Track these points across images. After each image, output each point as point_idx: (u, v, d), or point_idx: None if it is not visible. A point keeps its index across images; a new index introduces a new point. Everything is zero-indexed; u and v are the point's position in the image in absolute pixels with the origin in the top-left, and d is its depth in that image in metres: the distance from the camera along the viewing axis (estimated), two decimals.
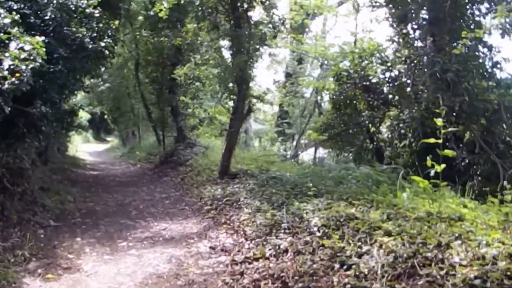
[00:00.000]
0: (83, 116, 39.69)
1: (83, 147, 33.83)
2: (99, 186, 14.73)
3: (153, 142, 24.36)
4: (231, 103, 12.82)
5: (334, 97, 13.21)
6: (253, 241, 6.71)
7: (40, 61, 7.86)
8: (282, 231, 6.54)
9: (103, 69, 22.55)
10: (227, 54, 12.24)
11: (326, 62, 20.80)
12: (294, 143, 25.41)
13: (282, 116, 26.34)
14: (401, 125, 10.81)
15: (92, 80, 24.65)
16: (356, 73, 12.60)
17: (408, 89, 10.59)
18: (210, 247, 6.98)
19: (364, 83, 12.57)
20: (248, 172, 10.97)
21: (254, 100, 11.22)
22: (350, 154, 13.20)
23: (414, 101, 10.15)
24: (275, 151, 18.73)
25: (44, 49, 7.90)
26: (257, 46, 10.68)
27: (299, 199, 7.44)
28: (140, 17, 19.04)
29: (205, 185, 11.53)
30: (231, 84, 11.28)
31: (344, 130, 12.85)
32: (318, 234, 5.94)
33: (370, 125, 12.51)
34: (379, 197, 6.49)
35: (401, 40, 12.19)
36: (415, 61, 10.69)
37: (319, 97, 20.91)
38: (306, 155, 23.18)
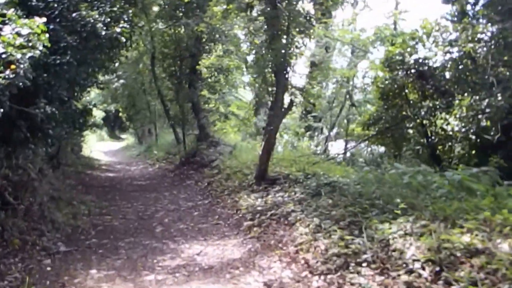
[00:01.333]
0: (97, 114, 38.34)
1: (98, 146, 32.30)
2: (116, 191, 13.10)
3: (171, 140, 22.72)
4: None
5: (383, 86, 11.36)
6: (322, 277, 5.00)
7: (41, 48, 6.22)
8: (364, 264, 4.83)
9: (117, 64, 21.11)
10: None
11: (355, 48, 19.07)
12: (321, 136, 23.70)
13: (307, 108, 24.51)
14: (479, 116, 8.99)
15: (106, 76, 23.23)
16: (409, 57, 10.80)
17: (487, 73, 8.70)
18: (264, 284, 5.27)
19: (420, 68, 10.76)
20: (291, 177, 9.26)
21: (296, 92, 9.45)
22: (407, 152, 11.34)
23: (496, 87, 8.31)
24: (310, 149, 16.89)
25: (46, 35, 6.26)
26: (301, 28, 8.92)
27: (375, 216, 5.71)
28: (155, 8, 17.38)
29: (239, 192, 9.84)
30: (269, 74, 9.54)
31: (396, 124, 11.04)
32: (424, 273, 4.22)
33: (427, 117, 10.70)
34: (497, 216, 4.69)
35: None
36: (496, 40, 8.86)
37: (349, 87, 19.09)
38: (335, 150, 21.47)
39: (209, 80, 17.48)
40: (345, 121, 21.06)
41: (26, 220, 7.67)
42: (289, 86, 9.46)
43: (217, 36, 15.97)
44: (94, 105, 20.22)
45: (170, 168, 17.39)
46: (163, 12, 16.38)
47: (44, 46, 6.35)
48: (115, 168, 20.44)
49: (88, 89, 12.85)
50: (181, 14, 15.94)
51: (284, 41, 9.07)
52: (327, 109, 21.70)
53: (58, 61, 7.39)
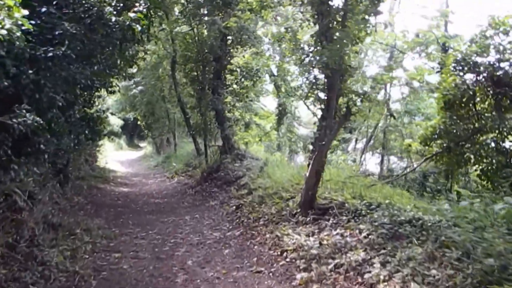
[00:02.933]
0: (116, 122, 36.57)
1: (115, 155, 30.43)
2: (129, 213, 11.02)
3: (191, 151, 20.69)
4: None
5: (448, 93, 9.11)
6: None
7: (18, 34, 4.22)
8: None
9: (135, 69, 19.15)
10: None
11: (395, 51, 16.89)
12: (352, 149, 21.50)
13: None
14: None
15: (121, 81, 21.28)
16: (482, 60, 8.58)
17: None
18: None
19: (495, 72, 8.54)
20: (347, 206, 7.06)
21: (355, 98, 7.24)
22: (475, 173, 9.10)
23: None
24: (348, 164, 14.65)
25: (25, 11, 4.23)
26: (365, 16, 6.76)
27: None
28: (178, 8, 15.42)
29: (279, 223, 7.67)
30: (319, 75, 7.39)
31: (467, 138, 8.79)
32: None
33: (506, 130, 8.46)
34: None
35: None
36: None
37: (387, 96, 16.91)
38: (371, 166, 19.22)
39: (234, 86, 15.35)
40: (382, 133, 18.90)
41: (7, 265, 5.62)
42: (345, 91, 7.26)
43: (245, 36, 13.87)
44: (111, 113, 18.40)
45: (191, 183, 15.29)
46: (186, 11, 14.34)
47: (25, 31, 4.30)
48: (131, 181, 18.41)
49: (97, 93, 10.77)
50: (205, 12, 13.93)
51: (338, 34, 6.93)
52: (362, 120, 19.48)
53: (50, 54, 5.33)
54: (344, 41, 6.83)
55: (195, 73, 15.65)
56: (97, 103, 14.34)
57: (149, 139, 33.83)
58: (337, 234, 6.28)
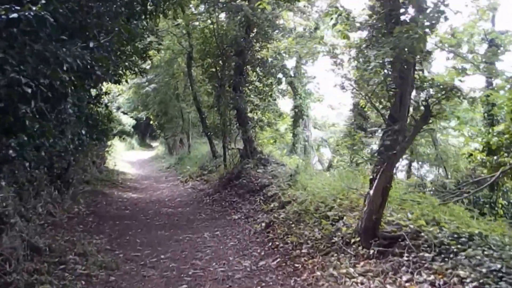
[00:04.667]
0: (128, 121, 34.83)
1: (126, 156, 28.67)
2: (137, 227, 9.14)
3: (206, 153, 18.81)
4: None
5: None
6: None
7: None
8: None
9: (148, 66, 17.30)
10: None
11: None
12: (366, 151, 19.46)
13: (357, 121, 20.30)
14: None
15: (135, 80, 19.45)
16: None
17: None
18: None
19: None
20: (423, 236, 5.11)
21: (436, 93, 5.26)
22: None
23: None
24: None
25: None
26: None
27: None
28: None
29: (330, 253, 5.73)
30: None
31: None
32: None
33: None
34: None
35: None
36: None
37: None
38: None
39: (257, 83, 13.41)
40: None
41: None
42: (422, 84, 5.30)
43: (270, 29, 11.98)
44: (123, 112, 16.58)
45: (207, 190, 13.38)
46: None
47: None
48: (141, 185, 16.55)
49: (101, 84, 8.91)
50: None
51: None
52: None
53: (15, 15, 3.44)
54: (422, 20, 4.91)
55: (214, 69, 13.76)
56: (105, 100, 12.50)
57: (161, 139, 32.01)
58: (424, 281, 4.32)
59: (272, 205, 8.94)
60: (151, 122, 30.52)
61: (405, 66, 5.18)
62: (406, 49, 4.83)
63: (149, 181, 17.79)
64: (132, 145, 37.64)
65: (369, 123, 19.86)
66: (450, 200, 6.58)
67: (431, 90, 5.18)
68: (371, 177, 5.61)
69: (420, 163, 16.89)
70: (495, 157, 7.82)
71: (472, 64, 9.16)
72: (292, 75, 22.21)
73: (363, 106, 17.58)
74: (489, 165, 7.93)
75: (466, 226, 5.57)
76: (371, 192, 5.43)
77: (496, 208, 11.86)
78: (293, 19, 17.38)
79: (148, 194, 14.30)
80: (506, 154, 7.52)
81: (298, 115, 24.54)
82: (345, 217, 6.62)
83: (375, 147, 22.19)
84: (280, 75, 13.52)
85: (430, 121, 5.26)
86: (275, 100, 14.01)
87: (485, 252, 4.47)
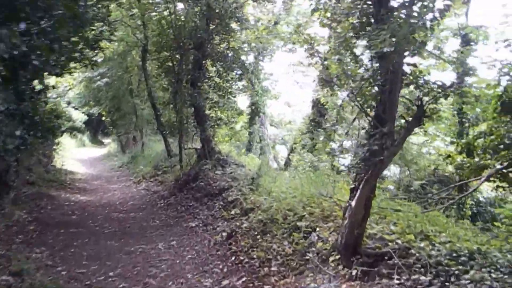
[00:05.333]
0: (79, 117, 32.96)
1: (77, 153, 27.03)
2: (84, 236, 8.12)
3: (161, 152, 17.73)
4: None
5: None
6: None
7: None
8: None
9: (100, 58, 16.02)
10: None
11: None
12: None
13: (317, 119, 19.70)
14: None
15: (86, 73, 18.10)
16: None
17: None
18: None
19: None
20: (413, 253, 4.47)
21: (432, 92, 4.57)
22: None
23: None
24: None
25: None
26: None
27: None
28: None
29: (305, 274, 5.00)
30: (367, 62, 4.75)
31: None
32: None
33: None
34: None
35: None
36: None
37: None
38: None
39: (217, 79, 12.53)
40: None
41: None
42: (415, 80, 4.64)
43: (233, 20, 11.15)
44: (74, 108, 15.24)
45: (162, 192, 12.41)
46: None
47: None
48: (91, 185, 15.30)
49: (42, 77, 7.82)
50: None
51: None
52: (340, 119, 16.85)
53: None
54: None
55: (171, 63, 12.76)
56: (53, 95, 11.29)
57: (114, 136, 30.45)
58: None
59: (233, 212, 8.13)
60: (103, 118, 28.96)
61: (397, 59, 4.50)
62: (404, 38, 4.13)
63: (99, 181, 16.55)
64: (83, 142, 35.78)
65: (328, 121, 19.36)
66: (434, 208, 5.99)
67: (426, 86, 4.51)
68: (353, 186, 4.91)
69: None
70: (476, 159, 7.31)
71: (439, 60, 8.72)
72: (250, 72, 21.49)
73: (324, 103, 17.13)
74: (468, 168, 7.42)
75: (457, 239, 4.99)
76: (353, 203, 4.73)
77: (464, 209, 11.57)
78: (255, 12, 16.57)
79: (98, 196, 13.14)
80: (489, 157, 7.01)
81: (255, 112, 23.85)
82: (318, 229, 5.91)
83: (334, 146, 21.87)
84: (240, 71, 12.69)
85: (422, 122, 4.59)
86: (235, 97, 13.17)
87: (493, 275, 3.85)
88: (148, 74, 15.58)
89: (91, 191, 14.10)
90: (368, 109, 4.88)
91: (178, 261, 6.48)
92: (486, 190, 12.69)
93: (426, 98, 4.48)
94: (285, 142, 29.40)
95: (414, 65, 4.58)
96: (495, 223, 6.82)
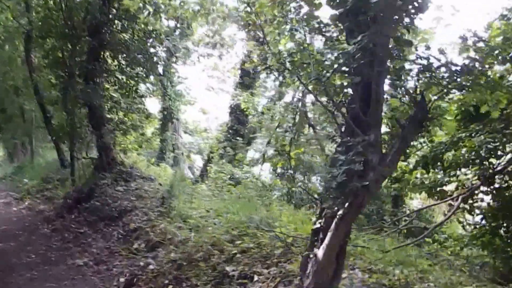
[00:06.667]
0: None
1: None
2: None
3: (53, 161, 15.00)
4: None
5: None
6: None
7: None
8: None
9: None
10: None
11: None
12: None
13: (235, 126, 17.98)
14: None
15: None
16: None
17: None
18: None
19: None
20: None
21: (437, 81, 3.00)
22: None
23: None
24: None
25: None
26: None
27: None
28: None
29: None
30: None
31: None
32: None
33: None
34: None
35: None
36: None
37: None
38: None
39: (119, 75, 10.31)
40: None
41: None
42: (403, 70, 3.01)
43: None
44: None
45: (47, 213, 9.93)
46: None
47: None
48: None
49: None
50: None
51: None
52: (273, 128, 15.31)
53: None
54: None
55: (60, 55, 10.33)
56: None
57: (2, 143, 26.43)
58: None
59: (136, 246, 6.09)
60: None
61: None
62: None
63: None
64: None
65: (247, 128, 17.78)
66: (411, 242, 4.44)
67: (427, 74, 2.90)
68: (317, 225, 3.16)
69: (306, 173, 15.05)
70: (439, 176, 5.95)
71: None
72: (161, 73, 19.39)
73: (245, 109, 15.48)
74: (427, 186, 6.05)
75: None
76: (319, 253, 2.99)
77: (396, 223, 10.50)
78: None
79: None
80: (455, 173, 5.67)
81: (167, 118, 21.67)
82: (256, 277, 4.11)
83: (252, 154, 20.26)
84: (147, 66, 10.53)
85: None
86: (142, 97, 11.02)
87: None
88: (34, 67, 12.88)
89: None
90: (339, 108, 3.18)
91: None
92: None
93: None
94: (200, 151, 27.38)
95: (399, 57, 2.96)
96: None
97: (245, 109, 14.77)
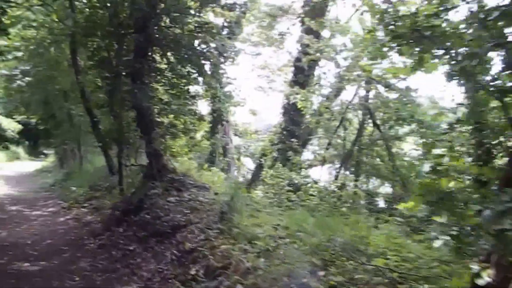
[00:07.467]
0: (10, 126, 28.92)
1: (6, 168, 23.13)
2: None
3: (102, 167, 14.45)
4: None
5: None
6: None
7: None
8: None
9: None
10: None
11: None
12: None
13: (288, 127, 16.86)
14: None
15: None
16: None
17: None
18: None
19: None
20: None
21: None
22: None
23: None
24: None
25: None
26: None
27: None
28: None
29: None
30: None
31: None
32: None
33: None
34: None
35: None
36: None
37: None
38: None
39: (169, 74, 9.47)
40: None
41: None
42: None
43: None
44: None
45: (94, 225, 9.25)
46: None
47: None
48: (5, 213, 11.77)
49: None
50: None
51: None
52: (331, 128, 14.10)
53: None
54: None
55: (106, 54, 9.62)
56: None
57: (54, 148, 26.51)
58: None
59: (193, 271, 5.10)
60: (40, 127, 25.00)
61: None
62: None
63: (19, 206, 12.95)
64: (17, 154, 31.53)
65: (302, 129, 16.65)
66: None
67: None
68: (486, 280, 2.03)
69: (367, 176, 13.84)
70: None
71: None
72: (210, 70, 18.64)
73: (302, 108, 14.34)
74: None
75: None
76: None
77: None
78: None
79: (8, 230, 9.70)
80: None
81: (217, 120, 20.91)
82: None
83: (308, 155, 19.06)
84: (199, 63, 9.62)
85: None
86: (194, 98, 10.12)
87: None
88: (80, 70, 12.32)
89: (1, 221, 10.63)
90: None
91: None
92: None
93: None
94: (251, 154, 26.48)
95: None
96: None
97: (301, 108, 13.64)
